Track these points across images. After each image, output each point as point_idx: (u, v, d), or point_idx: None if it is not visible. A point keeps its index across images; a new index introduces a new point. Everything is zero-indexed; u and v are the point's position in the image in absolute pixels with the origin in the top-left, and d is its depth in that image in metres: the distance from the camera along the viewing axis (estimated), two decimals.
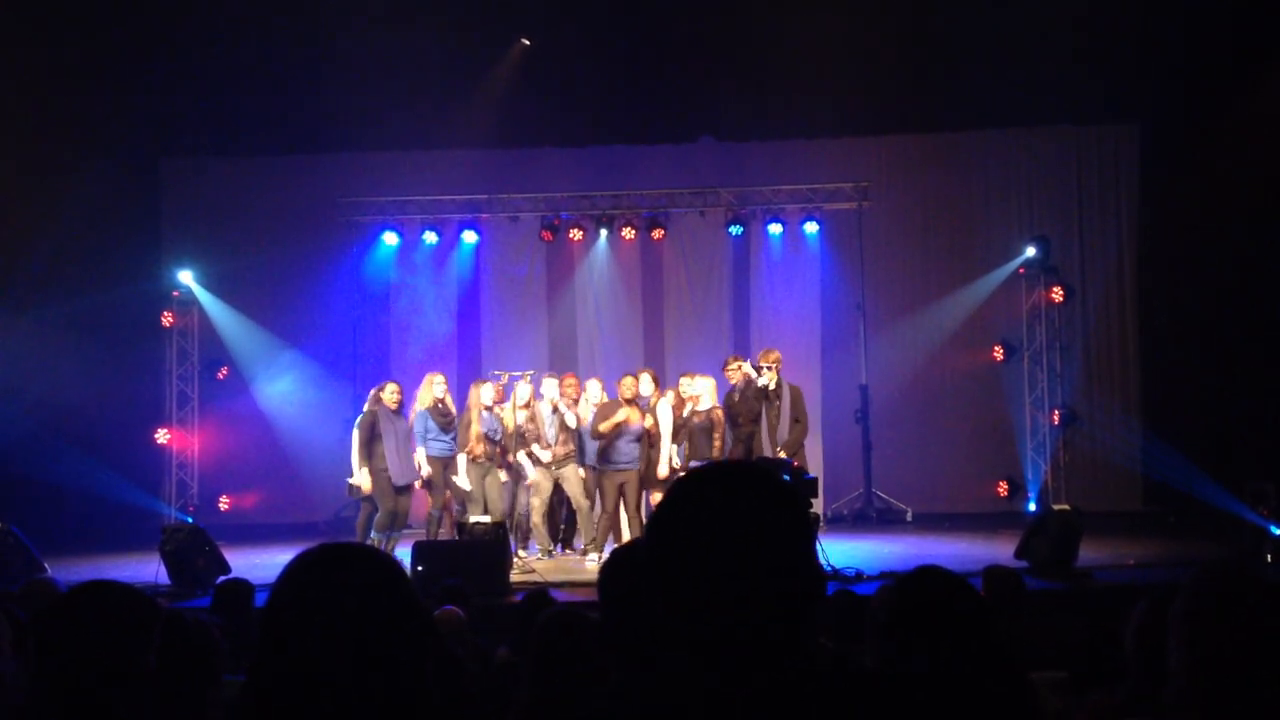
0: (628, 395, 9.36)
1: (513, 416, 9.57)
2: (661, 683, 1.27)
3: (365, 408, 9.49)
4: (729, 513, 1.29)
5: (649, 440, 9.43)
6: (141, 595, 2.23)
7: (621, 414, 9.21)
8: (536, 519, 9.73)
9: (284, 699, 1.36)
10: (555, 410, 9.66)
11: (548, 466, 9.65)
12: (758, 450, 9.56)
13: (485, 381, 9.80)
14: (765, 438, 9.57)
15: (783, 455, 9.09)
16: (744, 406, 9.53)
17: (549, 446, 9.63)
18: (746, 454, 9.46)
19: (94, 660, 2.04)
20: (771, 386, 9.34)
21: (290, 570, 1.43)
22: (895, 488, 12.83)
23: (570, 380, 10.07)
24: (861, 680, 1.34)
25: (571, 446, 9.65)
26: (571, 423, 9.62)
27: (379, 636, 1.38)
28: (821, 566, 1.25)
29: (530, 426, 9.71)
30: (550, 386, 9.77)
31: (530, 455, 9.71)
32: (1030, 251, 12.75)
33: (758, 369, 9.45)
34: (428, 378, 9.78)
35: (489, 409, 9.52)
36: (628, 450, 9.29)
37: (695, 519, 1.31)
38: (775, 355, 9.54)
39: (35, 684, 2.07)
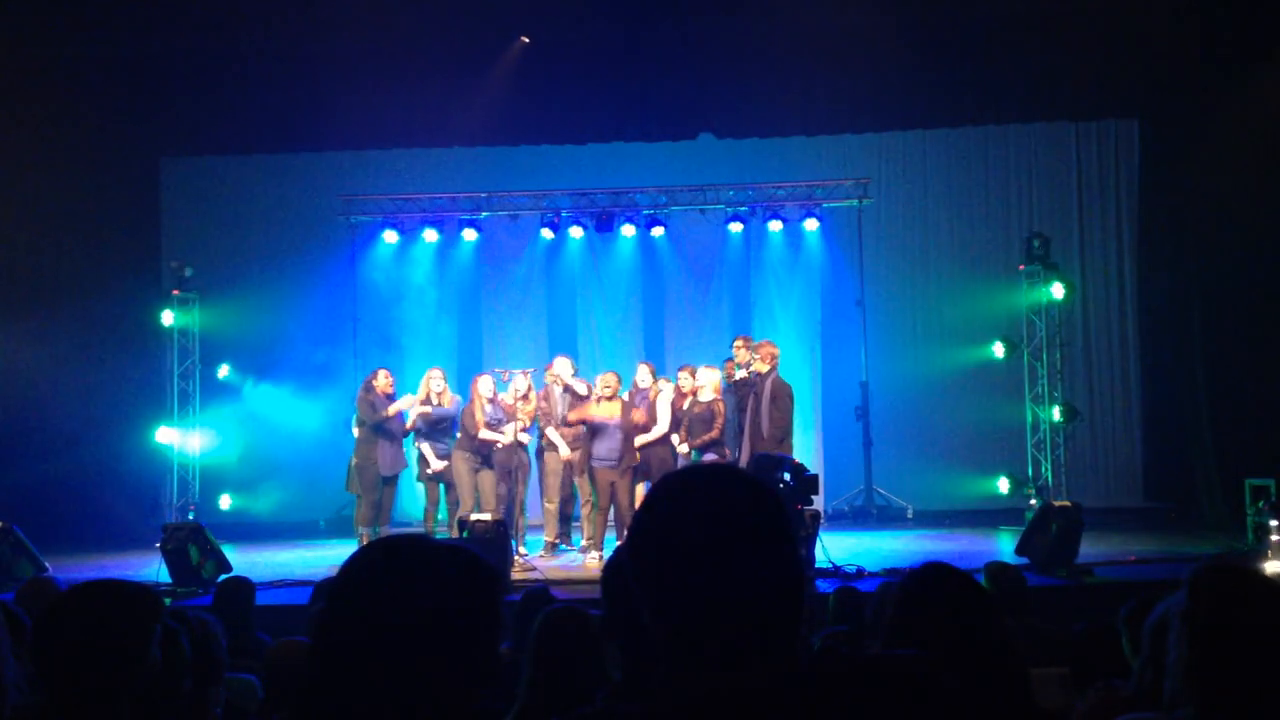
0: (606, 393, 9.28)
1: (513, 400, 9.58)
2: (661, 681, 1.27)
3: (359, 396, 9.59)
4: (702, 513, 1.29)
5: (635, 432, 9.34)
6: (143, 590, 2.23)
7: (592, 410, 9.17)
8: (550, 505, 9.75)
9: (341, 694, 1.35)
10: (565, 389, 9.64)
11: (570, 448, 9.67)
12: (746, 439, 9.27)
13: (486, 374, 9.83)
14: (747, 429, 9.35)
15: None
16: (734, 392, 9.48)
17: (559, 427, 9.65)
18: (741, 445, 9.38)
19: (95, 659, 2.04)
20: (743, 375, 9.24)
21: (372, 560, 1.40)
22: (896, 484, 12.83)
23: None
24: (865, 673, 1.34)
25: (582, 428, 9.51)
26: (582, 390, 9.60)
27: (457, 640, 1.37)
28: (802, 563, 1.25)
29: (544, 405, 9.78)
30: (563, 365, 9.78)
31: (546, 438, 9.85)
32: (1031, 247, 12.73)
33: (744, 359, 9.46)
34: (426, 374, 9.84)
35: (491, 401, 9.55)
36: (613, 446, 9.25)
37: (668, 521, 1.31)
38: (767, 349, 9.30)
39: (36, 684, 2.07)
